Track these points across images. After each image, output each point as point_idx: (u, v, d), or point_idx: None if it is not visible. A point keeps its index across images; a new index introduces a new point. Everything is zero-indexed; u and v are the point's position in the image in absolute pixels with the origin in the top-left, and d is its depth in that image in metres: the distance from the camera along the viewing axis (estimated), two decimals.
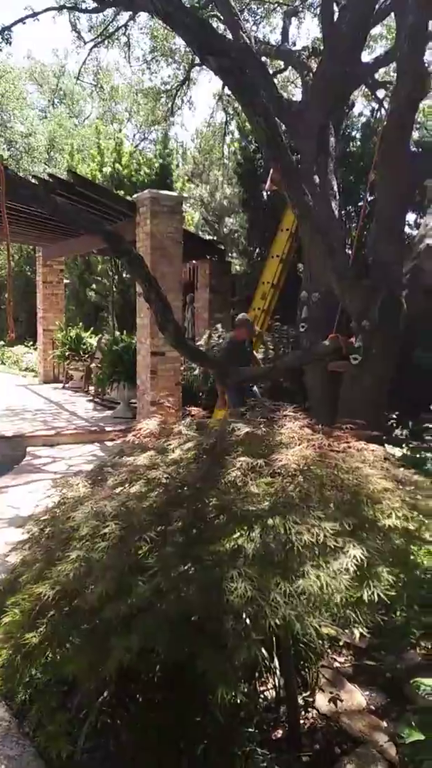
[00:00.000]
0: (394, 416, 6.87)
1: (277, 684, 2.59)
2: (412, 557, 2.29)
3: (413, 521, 2.00)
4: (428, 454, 4.89)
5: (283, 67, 8.36)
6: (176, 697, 2.22)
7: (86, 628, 1.89)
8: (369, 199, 6.50)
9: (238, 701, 2.45)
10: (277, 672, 2.59)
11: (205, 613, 1.76)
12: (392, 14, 6.05)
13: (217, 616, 1.75)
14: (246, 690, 2.41)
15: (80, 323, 14.99)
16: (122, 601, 1.76)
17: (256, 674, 2.56)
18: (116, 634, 1.76)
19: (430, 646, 3.08)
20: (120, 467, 2.59)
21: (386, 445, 4.94)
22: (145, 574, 1.86)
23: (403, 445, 5.65)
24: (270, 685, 2.61)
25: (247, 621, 1.69)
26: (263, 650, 2.35)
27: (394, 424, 6.84)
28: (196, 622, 1.85)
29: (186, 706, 2.20)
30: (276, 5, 10.06)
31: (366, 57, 7.52)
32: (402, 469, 2.34)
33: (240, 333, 5.76)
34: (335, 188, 5.84)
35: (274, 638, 2.42)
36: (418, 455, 4.94)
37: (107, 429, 8.11)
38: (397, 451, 4.94)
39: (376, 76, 8.21)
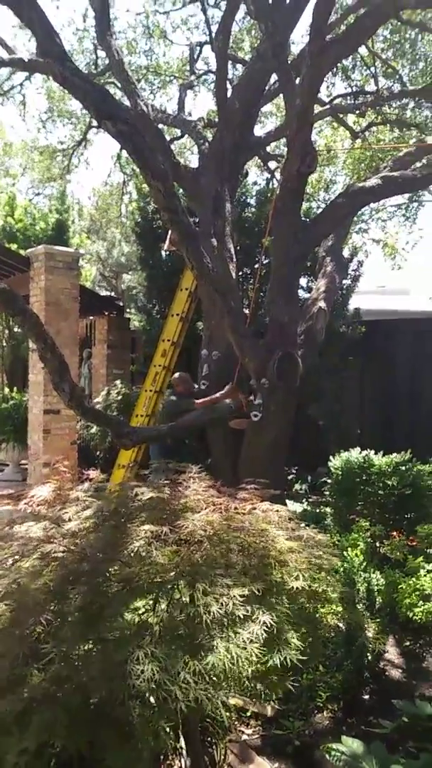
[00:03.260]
0: (293, 471, 7.01)
1: (183, 765, 2.43)
2: (317, 615, 2.27)
3: (321, 582, 1.99)
4: (327, 509, 4.99)
5: (179, 134, 8.70)
6: None
7: None
8: (264, 262, 6.80)
9: None
10: (184, 752, 2.43)
11: (108, 699, 1.61)
12: (281, 95, 6.52)
13: (121, 701, 1.61)
14: None
15: None
16: (16, 695, 1.57)
17: (161, 757, 2.39)
18: (9, 734, 1.56)
19: (336, 708, 3.04)
20: (10, 540, 2.39)
21: (287, 501, 5.00)
22: (41, 660, 1.68)
23: (303, 500, 5.75)
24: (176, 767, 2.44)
25: (155, 708, 1.57)
26: (169, 731, 2.20)
27: (294, 479, 6.97)
28: (98, 709, 1.69)
29: None
30: (172, 78, 10.57)
31: (258, 131, 8.03)
32: (307, 529, 2.34)
33: (185, 389, 5.71)
34: (232, 251, 6.04)
35: (180, 717, 2.28)
36: (318, 510, 5.03)
37: None
38: (298, 507, 5.00)
39: (268, 149, 8.78)
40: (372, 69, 8.56)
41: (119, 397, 8.19)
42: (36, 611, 1.76)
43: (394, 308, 10.68)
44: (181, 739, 2.40)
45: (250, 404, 5.17)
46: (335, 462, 5.05)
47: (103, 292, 16.71)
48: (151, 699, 1.65)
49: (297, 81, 5.14)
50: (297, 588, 1.95)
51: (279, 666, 1.81)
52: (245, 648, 1.67)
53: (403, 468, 4.74)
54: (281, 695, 2.93)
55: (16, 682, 1.65)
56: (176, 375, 5.99)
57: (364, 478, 4.78)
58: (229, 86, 6.88)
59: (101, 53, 8.84)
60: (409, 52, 9.24)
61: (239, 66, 8.75)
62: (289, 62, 5.69)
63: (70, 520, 2.31)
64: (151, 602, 1.80)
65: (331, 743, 2.41)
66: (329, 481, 5.13)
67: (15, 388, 10.33)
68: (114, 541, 2.00)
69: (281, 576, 1.97)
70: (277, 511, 2.32)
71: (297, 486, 6.86)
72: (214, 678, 1.64)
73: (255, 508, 2.28)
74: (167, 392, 6.14)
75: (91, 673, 1.61)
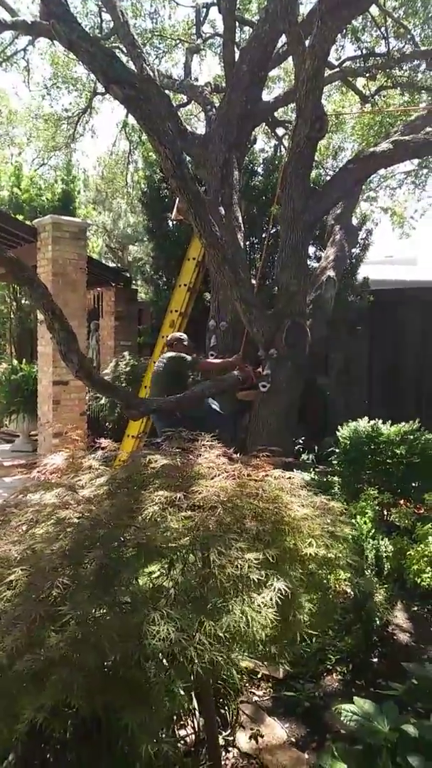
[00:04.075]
0: (301, 441, 7.03)
1: (196, 726, 2.49)
2: (325, 582, 2.29)
3: (334, 549, 2.01)
4: (335, 478, 5.02)
5: (186, 101, 8.53)
6: (90, 753, 2.06)
7: None
8: (272, 231, 6.71)
9: (156, 749, 2.32)
10: (197, 713, 2.49)
11: (125, 660, 1.65)
12: (290, 58, 6.36)
13: (138, 662, 1.64)
14: (165, 736, 2.29)
15: None
16: (34, 655, 1.61)
17: (175, 718, 2.45)
18: (27, 693, 1.60)
19: (345, 671, 3.11)
20: (25, 506, 2.42)
21: (295, 470, 5.03)
22: (57, 623, 1.72)
23: (310, 470, 5.78)
24: (189, 728, 2.51)
25: (170, 669, 1.60)
26: (183, 693, 2.26)
27: (301, 449, 7.00)
28: (113, 670, 1.73)
29: (100, 763, 2.05)
30: (178, 42, 10.31)
31: (266, 96, 7.84)
32: (320, 496, 2.35)
33: (184, 350, 5.45)
34: (240, 220, 5.97)
35: (193, 678, 2.34)
36: (325, 479, 5.05)
37: (5, 464, 7.68)
38: (306, 476, 5.02)
39: (276, 115, 8.60)
40: (382, 29, 8.31)
41: (127, 369, 8.20)
42: (52, 575, 1.79)
43: (401, 278, 10.58)
44: (194, 700, 2.46)
45: (259, 375, 5.16)
46: (343, 431, 5.06)
47: (110, 264, 16.59)
48: (164, 662, 1.68)
49: (307, 43, 5.00)
50: (310, 554, 1.97)
51: (293, 631, 1.84)
52: (260, 612, 1.70)
53: (412, 437, 4.75)
54: (292, 658, 3.00)
55: (33, 643, 1.68)
56: (175, 334, 5.69)
57: (372, 447, 4.79)
58: (236, 49, 6.72)
59: (106, 16, 8.64)
60: (421, 10, 8.96)
61: (247, 28, 8.53)
62: (298, 23, 5.53)
63: (83, 487, 2.33)
64: (165, 566, 1.82)
65: (342, 704, 2.46)
66: (337, 450, 5.14)
67: (24, 360, 10.35)
68: (128, 507, 2.02)
69: (294, 542, 1.98)
70: (290, 478, 2.33)
71: (304, 456, 6.89)
72: (229, 640, 1.67)
73: (267, 475, 2.29)
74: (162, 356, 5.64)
75: (107, 635, 1.64)
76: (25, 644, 1.66)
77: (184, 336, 5.60)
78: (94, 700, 1.63)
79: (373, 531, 3.79)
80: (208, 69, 26.29)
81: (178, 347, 5.42)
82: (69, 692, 1.59)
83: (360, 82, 9.33)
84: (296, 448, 6.91)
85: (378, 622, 3.23)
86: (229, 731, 2.61)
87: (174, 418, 5.00)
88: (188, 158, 6.77)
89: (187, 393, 4.88)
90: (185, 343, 5.52)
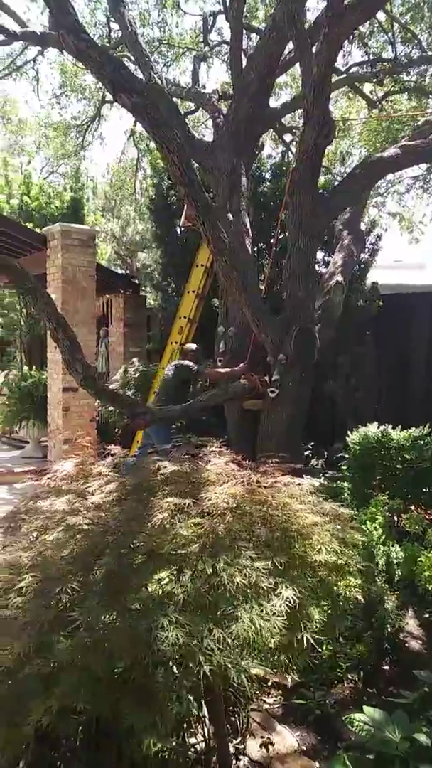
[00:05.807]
0: (310, 446, 7.01)
1: (206, 733, 2.48)
2: (335, 588, 2.28)
3: (343, 555, 2.00)
4: (344, 484, 4.99)
5: (193, 108, 8.57)
6: (99, 760, 2.06)
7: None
8: (280, 237, 6.72)
9: (166, 756, 2.32)
10: (207, 720, 2.48)
11: (133, 666, 1.65)
12: (297, 64, 6.37)
13: (146, 666, 1.64)
14: (175, 743, 2.28)
15: None
16: (43, 660, 1.61)
17: (185, 725, 2.44)
18: (35, 696, 1.61)
19: (357, 679, 3.08)
20: (35, 513, 2.43)
21: (304, 476, 5.01)
22: (67, 628, 1.72)
23: (320, 475, 5.75)
24: (199, 735, 2.49)
25: (177, 670, 1.60)
26: (192, 699, 2.25)
27: (311, 454, 6.97)
28: (122, 675, 1.73)
29: None
30: (185, 50, 10.38)
31: (273, 102, 7.87)
32: (330, 502, 2.34)
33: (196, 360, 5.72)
34: (248, 226, 5.98)
35: (203, 685, 2.33)
36: (335, 485, 5.03)
37: (16, 470, 7.71)
38: (315, 482, 5.00)
39: (283, 121, 8.62)
40: (389, 35, 8.32)
41: (137, 375, 8.22)
42: (62, 581, 1.79)
43: (410, 282, 10.55)
44: (204, 708, 2.45)
45: (265, 384, 5.14)
46: (353, 437, 5.03)
47: (119, 271, 16.67)
48: (174, 669, 1.68)
49: (313, 49, 5.02)
50: (320, 561, 1.96)
51: (301, 640, 1.83)
52: (269, 620, 1.69)
53: (422, 442, 4.72)
54: (302, 665, 2.98)
55: (42, 648, 1.69)
56: (189, 345, 6.05)
57: (382, 452, 4.76)
58: (243, 57, 6.74)
59: (114, 26, 8.72)
60: (428, 15, 8.97)
61: (254, 35, 8.56)
62: (305, 30, 5.54)
63: (93, 493, 2.33)
64: (175, 573, 1.82)
65: (353, 713, 2.44)
66: (346, 456, 5.11)
67: (34, 367, 10.41)
68: (138, 514, 2.03)
69: (304, 549, 1.98)
70: (299, 484, 2.32)
71: (313, 461, 6.87)
72: (238, 648, 1.66)
73: (277, 482, 2.29)
74: (172, 363, 5.96)
75: (116, 640, 1.64)
76: (35, 649, 1.67)
77: (196, 347, 5.94)
78: (101, 703, 1.63)
79: (383, 537, 3.76)
80: (216, 76, 26.40)
81: (189, 357, 5.74)
82: (77, 695, 1.60)
83: (367, 87, 9.34)
84: (305, 453, 6.88)
85: (389, 629, 3.20)
86: (239, 739, 2.59)
87: (172, 427, 5.12)
88: (196, 165, 6.79)
89: (194, 403, 4.89)
90: (196, 355, 5.83)
